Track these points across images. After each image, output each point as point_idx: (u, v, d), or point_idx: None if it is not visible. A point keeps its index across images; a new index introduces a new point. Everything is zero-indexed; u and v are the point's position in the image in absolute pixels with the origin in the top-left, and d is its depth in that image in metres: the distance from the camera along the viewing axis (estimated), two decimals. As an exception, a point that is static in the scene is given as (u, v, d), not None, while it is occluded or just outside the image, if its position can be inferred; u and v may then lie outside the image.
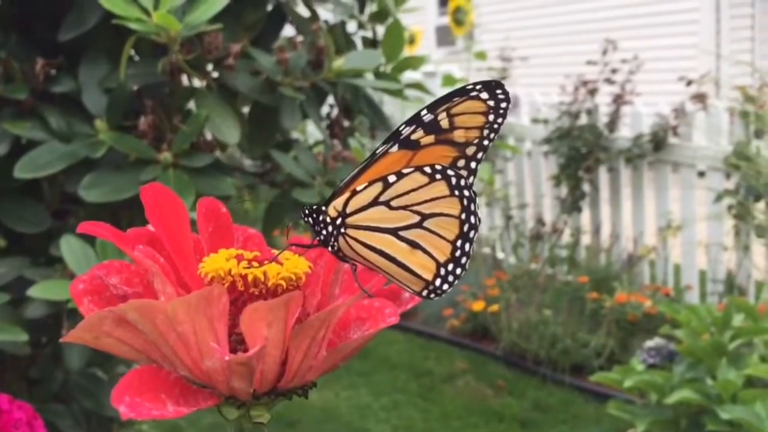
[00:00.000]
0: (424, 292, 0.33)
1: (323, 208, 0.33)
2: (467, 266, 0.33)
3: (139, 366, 0.26)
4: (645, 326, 2.36)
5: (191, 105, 0.93)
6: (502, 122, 0.35)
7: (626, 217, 2.79)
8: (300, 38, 1.03)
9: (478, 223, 0.34)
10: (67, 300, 0.84)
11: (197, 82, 0.92)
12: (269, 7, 1.04)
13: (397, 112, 2.87)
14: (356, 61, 0.95)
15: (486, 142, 0.35)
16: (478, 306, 2.58)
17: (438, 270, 0.33)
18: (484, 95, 0.34)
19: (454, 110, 0.34)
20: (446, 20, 3.10)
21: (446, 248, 0.33)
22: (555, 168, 2.80)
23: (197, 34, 0.88)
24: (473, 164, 0.35)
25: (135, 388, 0.24)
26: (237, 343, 0.28)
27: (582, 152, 2.69)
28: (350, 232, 0.33)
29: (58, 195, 1.05)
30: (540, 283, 2.58)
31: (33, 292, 0.83)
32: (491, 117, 0.34)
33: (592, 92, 2.74)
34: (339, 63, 0.94)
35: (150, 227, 0.32)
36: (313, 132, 1.35)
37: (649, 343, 1.89)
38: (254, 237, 0.34)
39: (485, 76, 2.93)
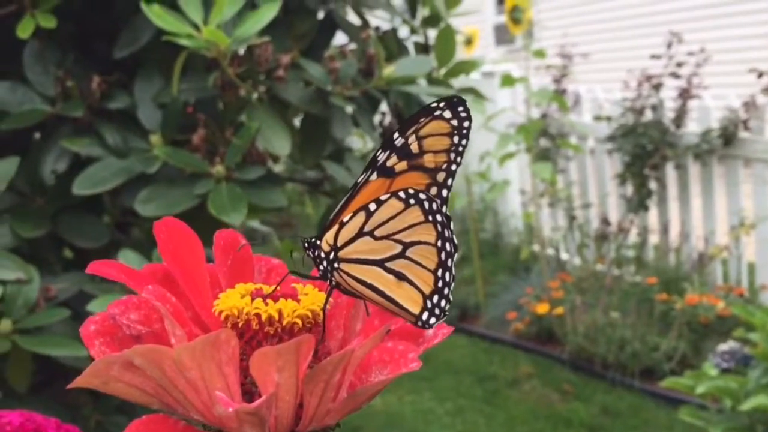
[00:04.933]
0: (419, 324, 0.31)
1: (317, 241, 0.33)
2: (451, 297, 0.32)
3: (144, 417, 0.25)
4: (718, 329, 2.28)
5: (243, 117, 0.94)
6: (466, 144, 0.33)
7: (696, 215, 2.70)
8: (351, 46, 1.02)
9: (454, 250, 0.32)
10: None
11: (248, 94, 0.92)
12: (319, 16, 1.04)
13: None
14: (407, 67, 0.94)
15: (453, 167, 0.33)
16: (542, 309, 2.54)
17: (424, 303, 0.31)
18: (447, 114, 0.33)
19: (421, 132, 0.33)
20: (504, 18, 3.06)
21: (429, 279, 0.32)
22: (620, 166, 2.73)
23: (247, 47, 0.88)
24: (444, 192, 0.33)
25: None
26: (253, 385, 0.27)
27: (648, 149, 2.61)
28: (343, 266, 0.32)
29: (119, 208, 1.07)
30: (606, 284, 2.52)
31: (93, 307, 0.84)
32: (455, 138, 0.33)
33: (657, 87, 2.66)
34: (390, 70, 0.92)
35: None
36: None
37: (723, 347, 1.82)
38: (278, 267, 0.33)
39: (545, 75, 2.88)
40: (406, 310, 0.31)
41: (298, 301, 0.30)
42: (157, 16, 0.79)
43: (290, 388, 0.25)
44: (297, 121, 1.01)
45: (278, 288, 0.31)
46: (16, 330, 0.83)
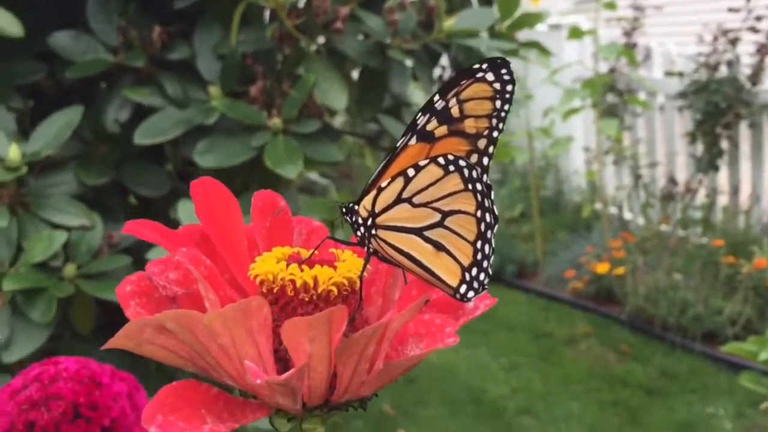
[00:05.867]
0: (457, 296, 0.31)
1: (355, 207, 0.32)
2: (490, 270, 0.31)
3: (176, 382, 0.25)
4: (786, 294, 2.21)
5: (301, 70, 0.93)
6: (509, 109, 0.31)
7: (768, 176, 2.60)
8: (411, -2, 1.00)
9: (494, 221, 0.31)
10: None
11: (306, 46, 0.92)
12: (380, -33, 1.02)
13: (520, 68, 2.78)
14: (468, 20, 0.91)
15: (495, 134, 0.32)
16: (602, 268, 2.50)
17: (463, 275, 0.30)
18: (490, 76, 0.31)
19: (462, 95, 0.31)
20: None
21: (468, 250, 0.31)
22: (690, 124, 2.64)
23: (306, -2, 0.87)
24: (485, 160, 0.32)
25: (170, 405, 0.23)
26: (287, 352, 0.26)
27: (721, 107, 2.52)
28: (380, 233, 0.31)
29: (180, 158, 1.08)
30: (670, 245, 2.46)
31: (153, 255, 0.86)
32: (498, 103, 0.31)
33: (734, 42, 2.55)
34: (450, 23, 0.90)
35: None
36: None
37: (790, 313, 1.76)
38: (318, 230, 0.33)
39: (615, 27, 2.78)
40: (444, 282, 0.30)
41: (335, 267, 0.29)
42: (217, -34, 0.79)
43: (322, 359, 0.24)
44: (355, 74, 1.00)
45: (316, 253, 0.30)
46: (80, 275, 0.86)
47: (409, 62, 0.93)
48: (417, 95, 2.02)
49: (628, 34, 2.70)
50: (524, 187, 3.22)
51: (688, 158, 2.72)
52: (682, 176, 2.77)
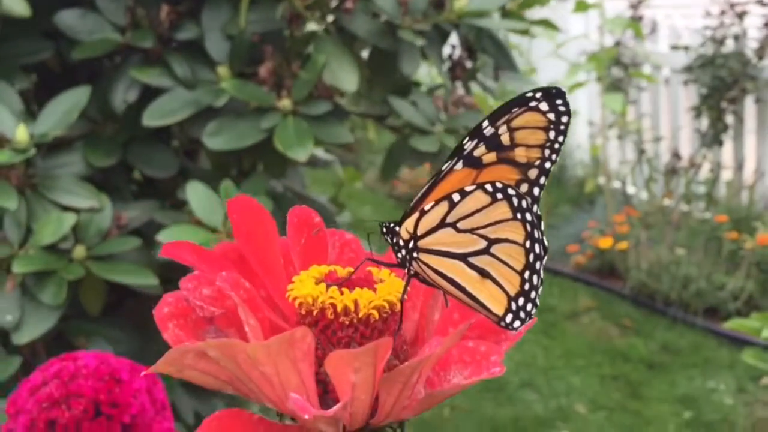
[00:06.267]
0: (502, 325, 0.30)
1: (396, 228, 0.31)
2: (538, 301, 0.30)
3: (219, 412, 0.25)
4: (789, 270, 2.22)
5: (311, 50, 0.92)
6: (563, 141, 0.31)
7: (773, 151, 2.59)
8: (421, -24, 0.99)
9: (543, 253, 0.30)
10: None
11: (316, 27, 0.90)
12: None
13: (524, 41, 2.75)
14: (480, 0, 0.90)
15: (548, 164, 0.31)
16: (605, 243, 2.50)
17: (509, 304, 0.30)
18: (544, 106, 0.30)
19: (513, 123, 0.31)
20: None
21: (515, 279, 0.30)
22: (695, 98, 2.62)
23: (316, -23, 0.86)
24: (536, 190, 0.31)
25: None
26: (326, 374, 0.26)
27: (726, 81, 2.50)
28: (422, 256, 0.31)
29: (189, 137, 1.07)
30: (674, 220, 2.46)
31: (162, 236, 0.86)
32: (552, 134, 0.31)
33: (741, 15, 2.52)
34: (462, 3, 0.89)
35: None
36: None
37: (793, 290, 1.77)
38: (351, 243, 0.33)
39: (621, 0, 2.75)
40: (488, 310, 0.30)
41: (374, 289, 0.29)
42: (226, -55, 0.78)
43: (367, 389, 0.24)
44: (364, 54, 0.99)
45: (354, 272, 0.30)
46: (89, 257, 0.86)
47: (419, 42, 0.92)
48: (422, 69, 2.01)
49: (634, 6, 2.67)
50: (527, 160, 3.21)
51: (692, 133, 2.71)
52: (686, 151, 2.76)
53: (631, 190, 2.85)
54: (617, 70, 2.69)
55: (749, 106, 2.59)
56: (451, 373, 0.27)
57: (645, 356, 2.16)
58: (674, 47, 2.70)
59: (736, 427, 1.82)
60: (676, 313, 2.28)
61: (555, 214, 2.95)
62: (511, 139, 0.31)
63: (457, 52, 1.03)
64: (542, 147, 0.31)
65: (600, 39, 2.62)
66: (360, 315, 0.28)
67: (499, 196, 0.30)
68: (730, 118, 2.58)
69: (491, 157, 0.31)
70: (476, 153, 0.31)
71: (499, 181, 0.30)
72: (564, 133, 0.31)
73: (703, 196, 2.64)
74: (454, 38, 1.05)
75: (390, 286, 0.30)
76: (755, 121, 2.60)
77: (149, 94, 0.93)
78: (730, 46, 2.54)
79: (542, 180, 0.31)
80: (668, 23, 2.84)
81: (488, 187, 0.30)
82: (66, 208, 0.86)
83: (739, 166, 2.63)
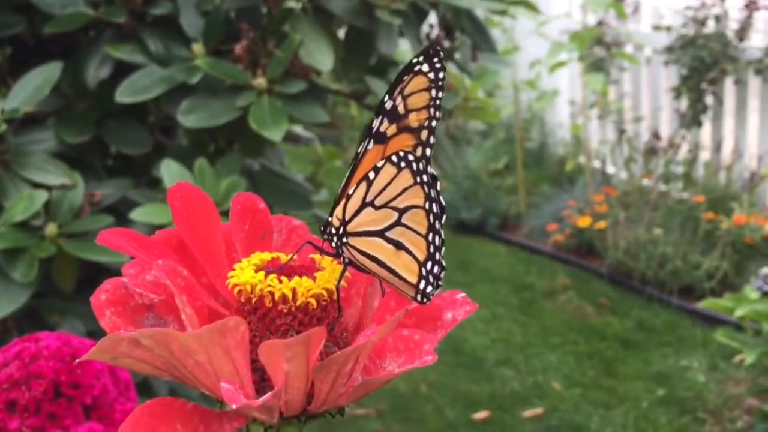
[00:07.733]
0: (418, 297, 0.31)
1: (329, 218, 0.32)
2: (443, 261, 0.31)
3: (150, 401, 0.25)
4: (763, 251, 2.24)
5: (287, 28, 0.91)
6: (442, 96, 0.32)
7: (751, 133, 2.61)
8: (400, -47, 0.98)
9: (441, 212, 0.31)
10: (169, 224, 0.87)
11: (293, 4, 0.90)
12: None
13: (507, 19, 2.74)
14: (457, -21, 0.90)
15: (434, 123, 0.32)
16: (584, 222, 2.52)
17: (420, 271, 0.31)
18: (425, 68, 0.32)
19: (405, 91, 0.32)
20: None
21: (422, 244, 0.31)
22: (675, 79, 2.63)
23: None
24: (428, 151, 0.32)
25: (145, 424, 0.23)
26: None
27: (707, 62, 2.51)
28: (351, 241, 0.31)
29: (163, 114, 1.07)
30: (652, 200, 2.48)
31: (135, 215, 0.86)
32: (433, 92, 0.32)
33: (723, -4, 2.53)
34: (439, -18, 0.89)
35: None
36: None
37: (766, 270, 1.80)
38: (298, 229, 0.33)
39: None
40: (405, 280, 0.31)
41: (314, 277, 0.29)
42: None
43: (300, 377, 0.25)
44: (341, 34, 0.98)
45: (294, 259, 0.30)
46: (61, 234, 0.86)
47: (396, 21, 0.92)
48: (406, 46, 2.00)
49: (617, -15, 2.67)
50: (509, 139, 3.21)
51: (672, 113, 2.72)
52: (665, 131, 2.77)
53: (610, 169, 2.86)
54: (599, 50, 2.69)
55: (729, 87, 2.60)
56: (386, 361, 0.27)
57: (620, 334, 2.18)
58: (656, 27, 2.70)
59: (708, 404, 1.85)
60: (652, 292, 2.31)
61: (535, 193, 2.97)
62: (405, 106, 0.32)
63: (435, 32, 1.02)
64: (428, 107, 0.32)
65: (582, 18, 2.61)
66: (298, 303, 0.28)
67: (402, 164, 0.31)
68: (709, 99, 2.59)
69: (393, 129, 0.32)
70: (382, 129, 0.32)
71: (401, 150, 0.31)
72: (442, 88, 0.32)
73: (681, 176, 2.66)
74: (433, 17, 1.04)
75: (329, 273, 0.30)
76: (734, 102, 2.62)
77: (122, 69, 0.92)
78: (711, 27, 2.55)
79: (431, 140, 0.32)
80: (651, 3, 2.84)
81: (393, 158, 0.31)
82: (38, 186, 0.85)
83: (717, 147, 2.65)
